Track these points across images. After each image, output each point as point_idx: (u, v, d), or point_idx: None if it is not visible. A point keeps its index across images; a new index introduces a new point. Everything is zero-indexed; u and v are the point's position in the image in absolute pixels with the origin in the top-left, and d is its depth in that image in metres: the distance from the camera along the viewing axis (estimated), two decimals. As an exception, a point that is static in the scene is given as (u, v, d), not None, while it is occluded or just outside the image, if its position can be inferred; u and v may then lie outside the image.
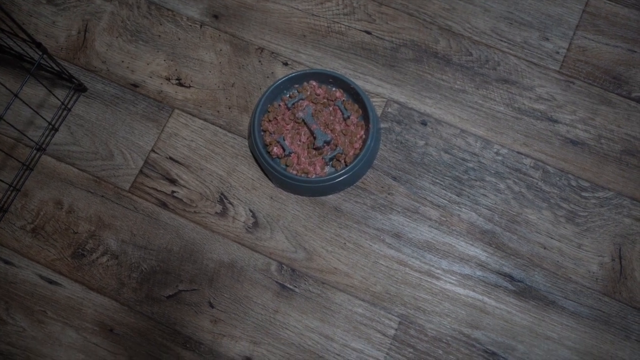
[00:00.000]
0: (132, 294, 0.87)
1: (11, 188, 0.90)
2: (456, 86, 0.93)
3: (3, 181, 0.86)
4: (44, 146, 0.93)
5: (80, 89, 0.95)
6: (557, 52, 0.94)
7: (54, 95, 0.89)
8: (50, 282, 0.88)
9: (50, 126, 0.93)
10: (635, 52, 0.93)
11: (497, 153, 0.90)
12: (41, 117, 0.89)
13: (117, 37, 0.98)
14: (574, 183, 0.88)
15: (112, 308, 0.86)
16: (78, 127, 0.94)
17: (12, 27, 0.92)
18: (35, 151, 0.92)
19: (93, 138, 0.93)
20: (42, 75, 0.97)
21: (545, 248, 0.86)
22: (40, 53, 0.81)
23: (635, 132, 0.90)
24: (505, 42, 0.95)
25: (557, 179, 0.89)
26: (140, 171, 0.92)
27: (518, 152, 0.90)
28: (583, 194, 0.88)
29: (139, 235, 0.89)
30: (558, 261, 0.85)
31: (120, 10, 0.99)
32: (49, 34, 0.99)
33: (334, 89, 0.93)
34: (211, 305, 0.86)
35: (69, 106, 0.94)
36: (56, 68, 0.88)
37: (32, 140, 0.89)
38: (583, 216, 0.87)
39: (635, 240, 0.85)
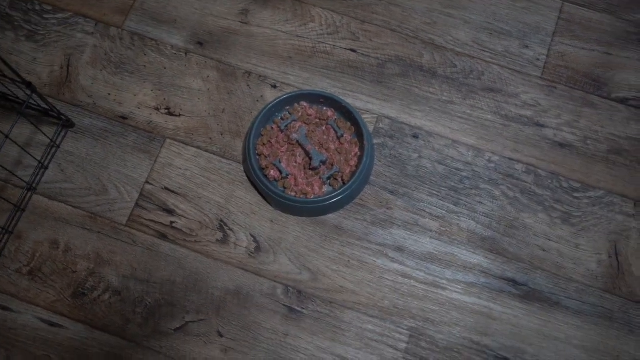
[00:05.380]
0: (138, 329, 0.85)
1: (3, 231, 0.88)
2: (444, 98, 0.95)
3: (-4, 225, 0.84)
4: (34, 185, 0.91)
5: (67, 124, 0.93)
6: (538, 59, 0.97)
7: (42, 133, 0.87)
8: (52, 324, 0.86)
9: (40, 164, 0.91)
10: (611, 54, 0.97)
11: (489, 161, 0.92)
12: (31, 155, 0.87)
13: (101, 70, 0.97)
14: (565, 185, 0.91)
15: (118, 346, 0.85)
16: (68, 163, 0.92)
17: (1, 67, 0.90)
18: (25, 191, 0.90)
19: (85, 174, 0.92)
20: (28, 114, 0.95)
21: (544, 250, 0.88)
22: (29, 92, 0.79)
23: (619, 131, 0.93)
24: (487, 52, 0.98)
25: (549, 181, 0.91)
26: (137, 204, 0.90)
27: (509, 159, 0.92)
28: (575, 194, 0.90)
29: (140, 269, 0.88)
30: (558, 262, 0.87)
31: (103, 43, 0.98)
32: (30, 71, 0.97)
33: (325, 108, 0.93)
34: (220, 335, 0.85)
35: (57, 143, 0.93)
36: (44, 106, 0.87)
37: (22, 180, 0.88)
38: (577, 216, 0.89)
39: (629, 236, 0.88)
